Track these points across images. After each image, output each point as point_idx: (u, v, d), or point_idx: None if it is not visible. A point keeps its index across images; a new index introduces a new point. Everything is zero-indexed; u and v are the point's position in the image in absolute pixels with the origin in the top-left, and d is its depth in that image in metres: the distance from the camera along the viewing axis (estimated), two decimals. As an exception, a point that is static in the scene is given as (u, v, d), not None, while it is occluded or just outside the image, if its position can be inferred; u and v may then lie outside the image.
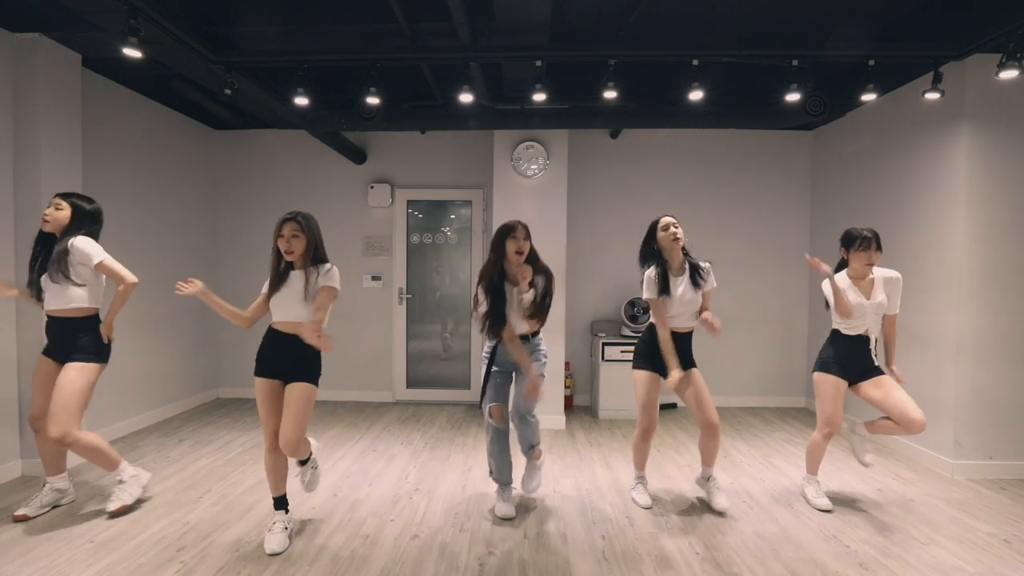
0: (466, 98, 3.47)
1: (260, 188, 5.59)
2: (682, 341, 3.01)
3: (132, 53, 2.84)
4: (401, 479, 3.50)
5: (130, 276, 2.89)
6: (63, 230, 2.82)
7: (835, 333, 3.08)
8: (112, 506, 2.91)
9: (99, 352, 2.88)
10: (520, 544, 2.70)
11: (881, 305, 2.98)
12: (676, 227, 2.95)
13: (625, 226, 5.42)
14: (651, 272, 2.97)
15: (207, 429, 4.50)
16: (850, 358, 3.03)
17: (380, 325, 5.54)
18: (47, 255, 2.81)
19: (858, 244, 2.94)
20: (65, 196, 2.86)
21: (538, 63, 3.40)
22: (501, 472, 3.04)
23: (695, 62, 3.36)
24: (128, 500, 2.95)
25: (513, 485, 3.10)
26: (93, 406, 3.94)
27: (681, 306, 2.95)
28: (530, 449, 3.07)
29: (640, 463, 3.23)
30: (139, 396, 4.51)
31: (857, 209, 4.65)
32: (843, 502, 3.20)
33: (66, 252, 2.76)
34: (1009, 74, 3.07)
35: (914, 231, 3.97)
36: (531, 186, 4.64)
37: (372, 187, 5.44)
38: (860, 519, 2.99)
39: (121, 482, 2.98)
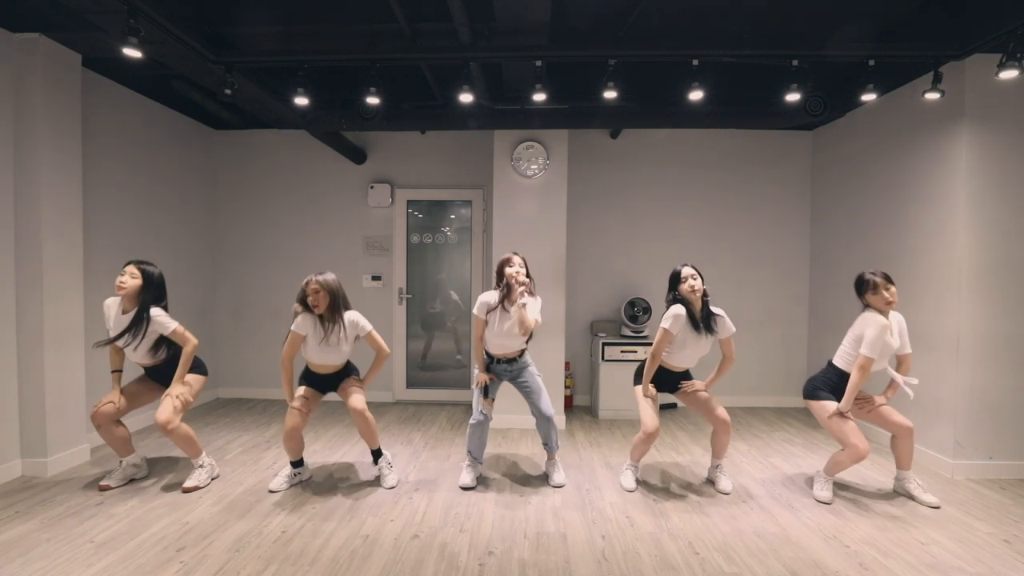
0: (466, 98, 3.47)
1: (260, 188, 5.59)
2: (682, 375, 3.39)
3: (132, 53, 2.84)
4: (401, 479, 3.50)
5: (193, 339, 3.35)
6: (136, 296, 3.21)
7: (839, 371, 3.19)
8: (189, 483, 3.29)
9: (195, 367, 3.46)
10: (520, 544, 2.70)
11: (902, 344, 3.13)
12: (695, 279, 3.17)
13: (625, 226, 5.43)
14: (680, 310, 3.15)
15: (207, 429, 4.50)
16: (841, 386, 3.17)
17: (380, 325, 5.53)
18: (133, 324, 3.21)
19: (871, 287, 3.05)
20: (137, 264, 3.25)
21: (538, 63, 3.40)
22: (479, 451, 3.44)
23: (695, 62, 3.36)
24: (203, 483, 3.34)
25: (480, 463, 3.50)
26: (93, 405, 3.97)
27: (694, 349, 3.23)
28: (546, 446, 3.46)
29: (637, 458, 3.44)
30: (139, 396, 4.51)
31: (857, 209, 4.65)
32: (843, 502, 3.20)
33: (146, 321, 3.20)
34: (1009, 74, 3.07)
35: (914, 231, 3.97)
36: (531, 186, 4.64)
37: (372, 187, 5.44)
38: (860, 519, 2.99)
39: (201, 466, 3.38)
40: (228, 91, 3.51)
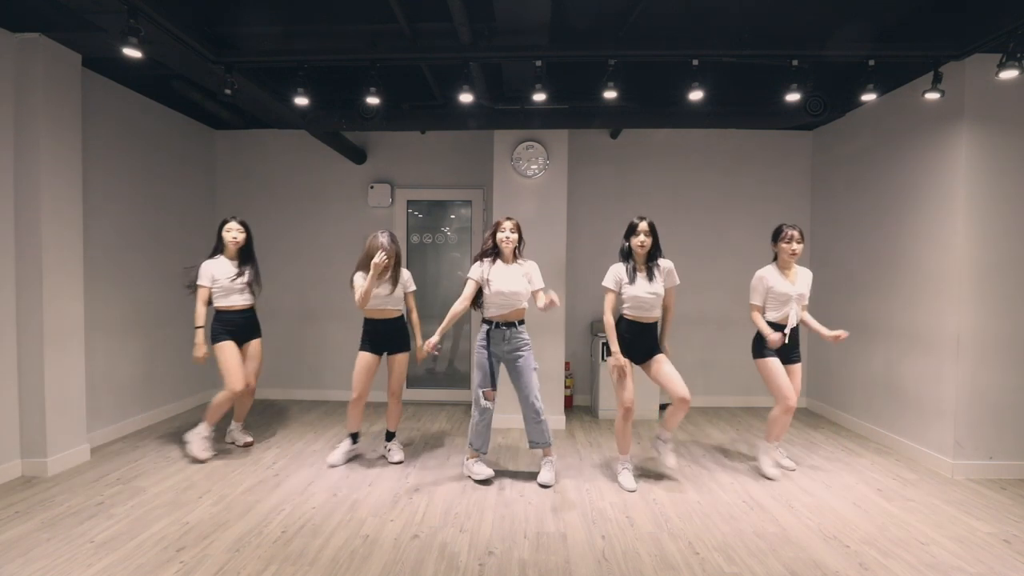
0: (466, 98, 3.47)
1: (260, 188, 5.59)
2: (648, 330, 3.43)
3: (132, 53, 2.84)
4: (401, 479, 3.50)
5: None
6: (244, 248, 3.87)
7: (769, 324, 3.55)
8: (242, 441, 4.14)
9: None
10: (520, 544, 2.70)
11: (802, 295, 3.52)
12: (647, 236, 3.36)
13: (625, 226, 5.41)
14: (615, 269, 3.43)
15: (207, 429, 4.50)
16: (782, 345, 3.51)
17: (380, 325, 5.54)
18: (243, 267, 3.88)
19: (783, 236, 3.49)
20: (238, 219, 3.86)
21: (538, 63, 3.40)
22: (484, 444, 3.51)
23: (695, 62, 3.36)
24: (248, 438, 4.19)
25: (485, 454, 3.60)
26: (93, 405, 3.98)
27: (643, 299, 3.36)
28: (535, 446, 3.46)
29: (624, 447, 3.49)
30: (138, 396, 4.51)
31: (857, 209, 4.65)
32: (843, 501, 3.20)
33: (257, 266, 3.96)
34: (1009, 74, 3.07)
35: (914, 231, 3.97)
36: (531, 186, 4.64)
37: (372, 187, 5.44)
38: (860, 519, 2.99)
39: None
40: (228, 91, 3.51)
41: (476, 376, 3.42)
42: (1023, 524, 2.94)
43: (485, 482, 3.44)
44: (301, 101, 3.53)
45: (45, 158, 3.44)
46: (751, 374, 5.41)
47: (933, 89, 3.37)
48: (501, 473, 3.63)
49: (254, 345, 3.96)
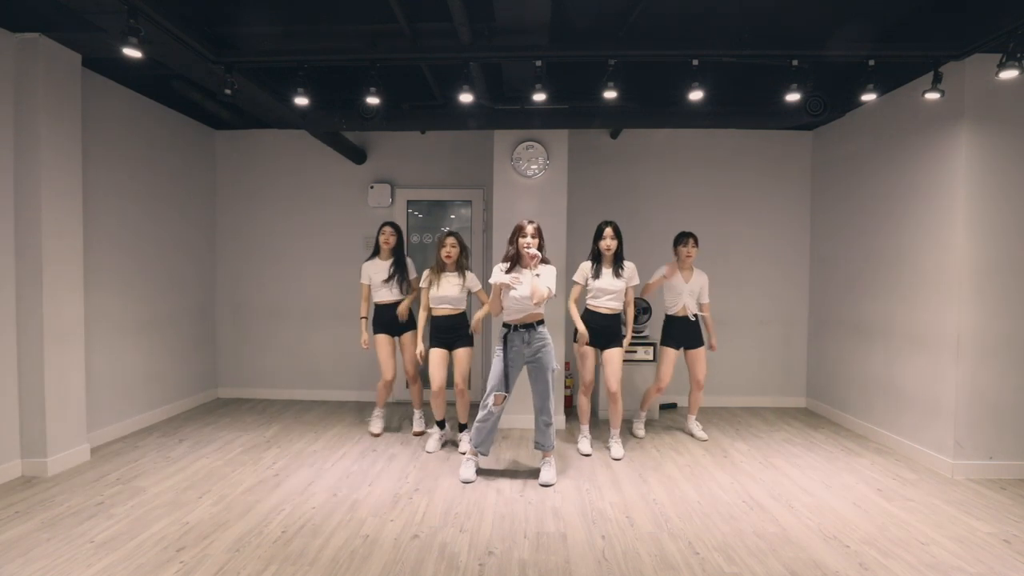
0: (466, 98, 3.46)
1: (260, 188, 5.59)
2: (610, 320, 3.92)
3: (132, 53, 2.83)
4: (401, 479, 3.50)
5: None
6: (395, 248, 4.29)
7: (667, 316, 4.29)
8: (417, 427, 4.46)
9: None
10: (520, 544, 2.70)
11: (693, 291, 4.20)
12: (612, 239, 3.87)
13: (625, 226, 5.39)
14: (587, 264, 3.97)
15: (207, 429, 4.50)
16: (681, 333, 4.23)
17: (380, 325, 5.54)
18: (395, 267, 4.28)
19: (679, 240, 4.19)
20: (391, 224, 4.30)
21: (538, 63, 3.39)
22: (483, 444, 3.53)
23: (695, 62, 3.36)
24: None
25: (484, 456, 3.63)
26: (93, 405, 3.98)
27: (607, 292, 3.87)
28: (539, 447, 3.56)
29: (584, 418, 4.10)
30: (139, 396, 4.51)
31: (856, 209, 4.65)
32: (843, 501, 3.20)
33: (405, 265, 4.31)
34: (1009, 74, 3.06)
35: (914, 231, 3.97)
36: (531, 186, 4.64)
37: (372, 187, 5.44)
38: (860, 519, 2.99)
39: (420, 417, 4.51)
40: (228, 91, 3.50)
41: (490, 379, 3.43)
42: (1023, 524, 2.94)
43: (467, 482, 3.45)
44: (301, 101, 3.53)
45: (45, 158, 3.44)
46: (750, 374, 5.43)
47: (933, 89, 3.37)
48: (501, 473, 3.63)
49: (407, 337, 4.27)
